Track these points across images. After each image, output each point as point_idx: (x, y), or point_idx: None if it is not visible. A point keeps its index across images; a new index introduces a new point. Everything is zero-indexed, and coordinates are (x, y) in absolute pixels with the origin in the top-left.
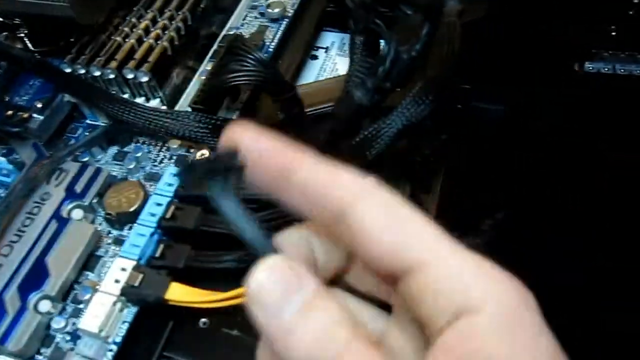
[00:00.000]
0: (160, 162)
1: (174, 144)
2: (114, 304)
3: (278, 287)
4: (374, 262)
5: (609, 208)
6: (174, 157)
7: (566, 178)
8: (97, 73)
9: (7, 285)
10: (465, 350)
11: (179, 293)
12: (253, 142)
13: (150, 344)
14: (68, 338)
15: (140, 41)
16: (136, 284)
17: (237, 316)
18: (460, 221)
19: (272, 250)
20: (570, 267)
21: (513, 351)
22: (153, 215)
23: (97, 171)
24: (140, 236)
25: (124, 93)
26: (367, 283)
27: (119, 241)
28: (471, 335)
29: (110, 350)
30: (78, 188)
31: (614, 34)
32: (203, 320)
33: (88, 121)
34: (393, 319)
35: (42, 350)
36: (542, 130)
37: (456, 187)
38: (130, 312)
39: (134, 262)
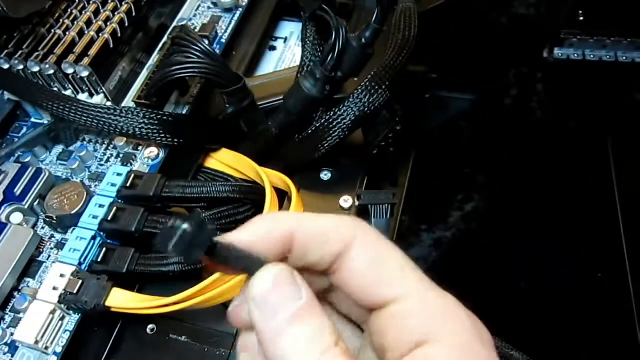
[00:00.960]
0: (107, 161)
1: (120, 141)
2: (52, 312)
3: (278, 291)
4: (357, 294)
5: (579, 195)
6: (121, 155)
7: (536, 167)
8: (36, 69)
9: None
10: None
11: (121, 299)
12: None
13: (94, 353)
14: (6, 350)
15: (81, 34)
16: (74, 291)
17: (185, 322)
18: (430, 213)
19: None
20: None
21: None
22: (95, 217)
23: (38, 172)
24: (80, 240)
25: (66, 89)
26: (345, 305)
27: (61, 245)
28: None
29: None
30: (17, 190)
31: (582, 18)
32: (150, 326)
33: (32, 120)
34: (365, 340)
35: None
36: (511, 119)
37: (425, 179)
38: (72, 320)
39: (74, 268)
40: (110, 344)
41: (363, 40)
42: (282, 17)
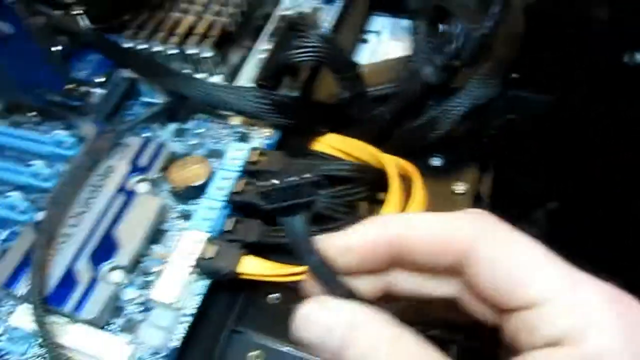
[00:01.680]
0: (222, 139)
1: (236, 121)
2: (187, 275)
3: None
4: (484, 299)
5: None
6: (235, 135)
7: (617, 170)
8: (159, 48)
9: (77, 255)
10: None
11: (252, 266)
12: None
13: (221, 318)
14: (139, 309)
15: (199, 17)
16: (210, 256)
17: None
18: (512, 209)
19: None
20: (624, 260)
21: None
22: (221, 189)
23: (160, 146)
24: (211, 209)
25: (184, 70)
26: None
27: (184, 215)
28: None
29: (183, 323)
30: (142, 162)
31: None
32: (275, 295)
33: (144, 99)
34: None
35: (113, 321)
36: (590, 123)
37: (507, 176)
38: (203, 284)
39: (206, 235)
40: (236, 310)
41: (484, 30)
42: (373, 11)
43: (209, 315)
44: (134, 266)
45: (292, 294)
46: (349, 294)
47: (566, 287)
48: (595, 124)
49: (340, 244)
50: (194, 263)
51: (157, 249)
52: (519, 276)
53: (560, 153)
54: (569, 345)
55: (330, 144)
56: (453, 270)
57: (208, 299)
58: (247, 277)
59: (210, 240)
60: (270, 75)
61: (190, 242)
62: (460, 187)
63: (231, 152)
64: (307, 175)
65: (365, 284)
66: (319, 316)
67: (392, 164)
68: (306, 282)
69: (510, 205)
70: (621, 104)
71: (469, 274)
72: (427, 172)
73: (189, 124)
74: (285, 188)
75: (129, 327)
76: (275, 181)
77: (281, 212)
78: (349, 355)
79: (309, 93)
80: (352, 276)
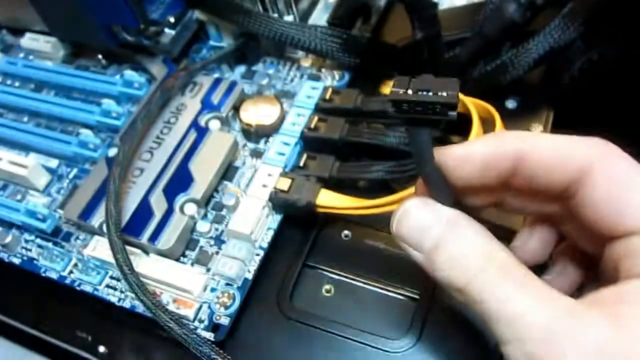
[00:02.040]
0: (291, 80)
1: (306, 62)
2: (262, 208)
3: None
4: (594, 224)
5: None
6: (305, 76)
7: None
8: None
9: (151, 187)
10: None
11: (329, 199)
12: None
13: (293, 253)
14: (212, 242)
15: None
16: (285, 188)
17: (380, 230)
18: None
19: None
20: None
21: None
22: (296, 125)
23: (232, 84)
24: (284, 145)
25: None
26: (575, 233)
27: (256, 153)
28: None
29: (258, 255)
30: (214, 100)
31: None
32: (345, 232)
33: (211, 42)
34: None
35: (187, 253)
36: None
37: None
38: (276, 219)
39: (280, 169)
40: (308, 246)
41: None
42: None
43: (282, 250)
44: (208, 200)
45: (362, 231)
46: (456, 204)
47: None
48: None
49: (460, 153)
50: (268, 196)
51: (230, 185)
52: (636, 199)
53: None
54: None
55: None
56: (564, 194)
57: (281, 233)
58: (323, 210)
59: (284, 174)
60: (343, 14)
61: (264, 175)
62: (535, 129)
63: (306, 90)
64: (442, 94)
65: (473, 200)
66: (420, 212)
67: (473, 105)
68: (418, 193)
69: None
70: None
71: (582, 194)
72: (502, 114)
73: (259, 66)
74: (417, 102)
75: (203, 259)
76: (409, 91)
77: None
78: (440, 258)
79: (380, 35)
80: (464, 192)
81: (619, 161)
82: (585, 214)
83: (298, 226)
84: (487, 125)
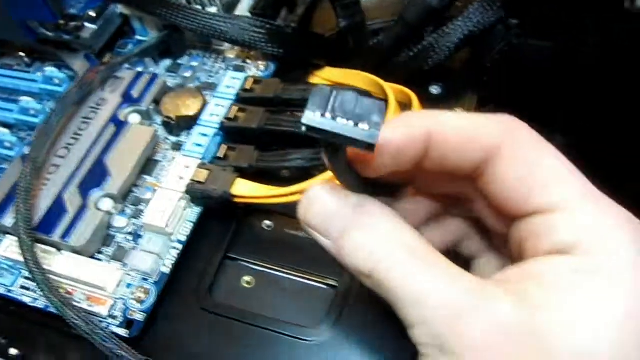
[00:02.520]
0: (217, 72)
1: (231, 54)
2: (178, 200)
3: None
4: (501, 203)
5: None
6: (230, 68)
7: (617, 116)
8: None
9: (66, 184)
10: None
11: (245, 189)
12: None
13: (214, 246)
14: (130, 238)
15: None
16: (202, 180)
17: None
18: None
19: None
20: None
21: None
22: (215, 115)
23: (153, 78)
24: (202, 136)
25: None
26: (484, 212)
27: (177, 147)
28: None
29: (175, 249)
30: (135, 94)
31: None
32: (267, 222)
33: (138, 37)
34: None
35: (104, 250)
36: (591, 69)
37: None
38: (194, 212)
39: (198, 161)
40: (229, 237)
41: None
42: None
43: (202, 243)
44: (125, 195)
45: (284, 221)
46: (363, 189)
47: (586, 199)
48: (594, 70)
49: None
50: (184, 188)
51: (149, 179)
52: (541, 179)
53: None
54: (577, 255)
55: (328, 77)
56: (474, 173)
57: (201, 226)
58: (240, 200)
59: (201, 165)
60: (265, 4)
61: (181, 167)
62: None
63: (226, 81)
64: (363, 126)
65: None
66: (326, 199)
67: (391, 90)
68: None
69: None
70: (624, 50)
71: (489, 173)
72: (427, 100)
73: (183, 59)
74: (333, 134)
75: (120, 255)
76: (327, 114)
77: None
78: (347, 244)
79: (306, 25)
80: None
81: (526, 139)
82: (493, 193)
83: (219, 218)
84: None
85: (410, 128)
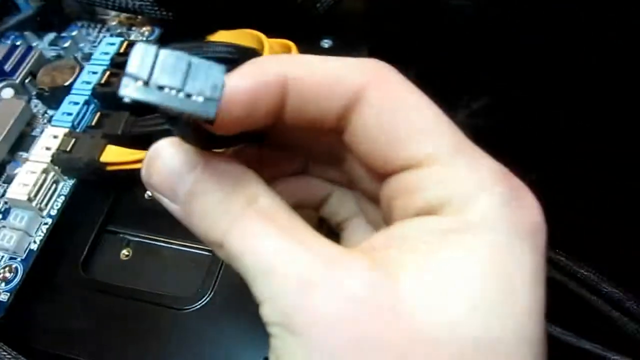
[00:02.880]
0: (100, 42)
1: (113, 21)
2: (45, 172)
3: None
4: (366, 157)
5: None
6: (114, 36)
7: (545, 71)
8: None
9: None
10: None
11: (114, 154)
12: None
13: (90, 219)
14: (0, 217)
15: None
16: (67, 148)
17: None
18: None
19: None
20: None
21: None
22: (88, 83)
23: (28, 49)
24: (72, 104)
25: None
26: (358, 173)
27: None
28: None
29: (45, 224)
30: (8, 67)
31: None
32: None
33: (23, 13)
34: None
35: None
36: (512, 26)
37: (430, 78)
38: (67, 184)
39: (66, 130)
40: (106, 209)
41: None
42: None
43: (79, 217)
44: None
45: None
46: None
47: (458, 152)
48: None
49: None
50: (50, 158)
51: (25, 155)
52: (408, 129)
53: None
54: (446, 214)
55: (219, 40)
56: (339, 125)
57: (78, 199)
58: (113, 168)
59: (68, 134)
60: None
61: (49, 138)
62: None
63: (102, 47)
64: (197, 98)
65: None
66: (172, 153)
67: (268, 41)
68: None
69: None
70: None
71: (354, 123)
72: (318, 54)
73: (66, 32)
74: (161, 112)
75: None
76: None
77: None
78: (197, 207)
79: None
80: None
81: (393, 85)
82: (359, 147)
83: (97, 191)
84: None
85: (262, 74)
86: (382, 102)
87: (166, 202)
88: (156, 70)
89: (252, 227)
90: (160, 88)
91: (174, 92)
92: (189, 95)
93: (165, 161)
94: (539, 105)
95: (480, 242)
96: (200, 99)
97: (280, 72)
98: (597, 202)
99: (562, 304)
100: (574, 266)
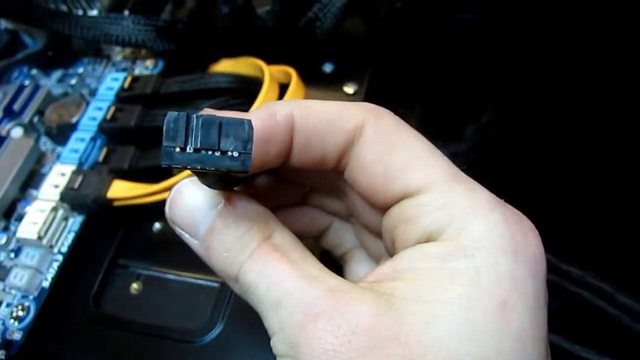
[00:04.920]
0: (105, 77)
1: (119, 55)
2: (54, 209)
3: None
4: (366, 192)
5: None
6: (119, 72)
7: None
8: None
9: None
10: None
11: (122, 189)
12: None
13: (101, 253)
14: (12, 256)
15: None
16: (75, 186)
17: None
18: (445, 127)
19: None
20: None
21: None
22: (94, 119)
23: (36, 88)
24: (79, 141)
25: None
26: (361, 209)
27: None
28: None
29: (56, 261)
30: (16, 107)
31: None
32: (157, 225)
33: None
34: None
35: None
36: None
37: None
38: (76, 220)
39: (74, 167)
40: (116, 244)
41: None
42: None
43: (88, 252)
44: (8, 211)
45: None
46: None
47: (452, 181)
48: (520, 38)
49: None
50: (59, 196)
51: (35, 193)
52: (402, 160)
53: (491, 70)
54: (443, 240)
55: (223, 69)
56: (340, 163)
57: (87, 235)
58: (121, 203)
59: (76, 171)
60: (142, 1)
61: (57, 176)
62: (350, 88)
63: (107, 82)
64: (232, 152)
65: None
66: (194, 195)
67: (268, 68)
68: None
69: (440, 125)
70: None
71: (354, 159)
72: (321, 79)
73: (73, 68)
74: (199, 171)
75: (2, 274)
76: (188, 148)
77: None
78: (215, 245)
79: (195, 19)
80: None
81: (387, 123)
82: (359, 181)
83: (105, 226)
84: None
85: (273, 114)
86: (379, 137)
87: (187, 237)
88: (191, 136)
89: (266, 261)
90: (197, 151)
91: (210, 152)
92: (223, 152)
93: (188, 199)
94: (547, 118)
95: (477, 266)
96: (235, 154)
97: (289, 112)
98: (608, 212)
99: (576, 315)
100: (587, 276)
